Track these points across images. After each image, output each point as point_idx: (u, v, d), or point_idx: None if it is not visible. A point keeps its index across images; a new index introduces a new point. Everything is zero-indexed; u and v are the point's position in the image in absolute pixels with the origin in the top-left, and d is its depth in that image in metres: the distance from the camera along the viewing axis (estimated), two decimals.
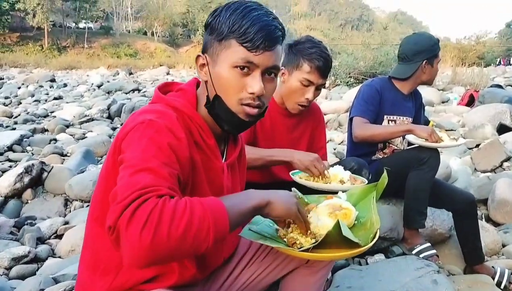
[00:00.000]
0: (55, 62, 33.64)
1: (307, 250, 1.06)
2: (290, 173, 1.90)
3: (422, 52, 2.44)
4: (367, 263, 2.30)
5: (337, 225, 1.04)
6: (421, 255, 2.32)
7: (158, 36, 53.31)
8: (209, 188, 1.12)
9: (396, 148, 2.54)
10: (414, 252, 2.36)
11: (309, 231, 1.12)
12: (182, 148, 0.99)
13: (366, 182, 1.85)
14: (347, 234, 1.05)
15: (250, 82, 1.07)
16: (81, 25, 55.48)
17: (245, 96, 1.08)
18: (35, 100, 11.38)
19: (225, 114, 1.10)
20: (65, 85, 16.19)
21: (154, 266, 1.03)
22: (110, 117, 8.42)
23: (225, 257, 1.29)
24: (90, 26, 56.69)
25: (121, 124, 7.37)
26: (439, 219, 2.64)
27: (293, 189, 1.29)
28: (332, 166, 1.95)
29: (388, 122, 2.51)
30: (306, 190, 1.56)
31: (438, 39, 2.50)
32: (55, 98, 11.82)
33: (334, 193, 1.40)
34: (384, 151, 2.54)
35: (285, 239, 1.10)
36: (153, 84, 17.74)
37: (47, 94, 12.92)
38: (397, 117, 2.52)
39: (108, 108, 8.66)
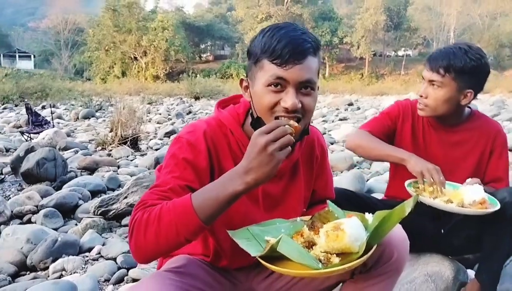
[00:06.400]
0: (368, 89, 35.66)
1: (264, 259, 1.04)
2: (406, 183, 1.69)
3: None
4: None
5: (278, 240, 1.02)
6: None
7: None
8: None
9: None
10: None
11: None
12: (200, 159, 1.20)
13: (497, 208, 1.50)
14: (281, 250, 0.99)
15: (284, 98, 1.12)
16: (400, 52, 57.40)
17: (279, 110, 1.14)
18: (322, 121, 12.66)
19: None
20: (358, 108, 17.13)
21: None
22: None
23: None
24: (408, 53, 57.84)
25: None
26: None
27: (330, 203, 1.26)
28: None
29: None
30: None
31: None
32: (340, 119, 12.84)
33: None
34: None
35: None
36: None
37: (337, 115, 14.15)
38: None
39: None
